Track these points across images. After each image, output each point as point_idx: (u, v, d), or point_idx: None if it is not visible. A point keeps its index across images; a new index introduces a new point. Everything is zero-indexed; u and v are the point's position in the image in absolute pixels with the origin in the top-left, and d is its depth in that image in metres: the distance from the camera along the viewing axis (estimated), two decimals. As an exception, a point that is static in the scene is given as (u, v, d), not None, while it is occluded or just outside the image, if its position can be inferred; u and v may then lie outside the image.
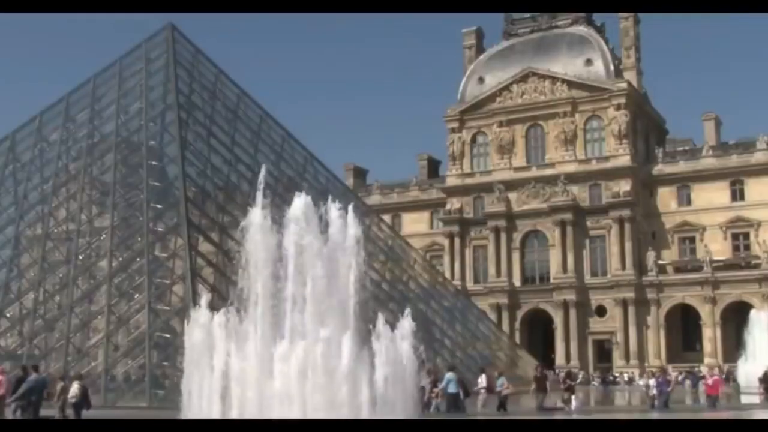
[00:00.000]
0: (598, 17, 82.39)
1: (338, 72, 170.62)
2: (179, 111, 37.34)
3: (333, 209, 17.54)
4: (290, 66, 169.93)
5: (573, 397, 27.28)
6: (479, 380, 26.70)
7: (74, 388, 21.96)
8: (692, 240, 72.19)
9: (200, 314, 18.03)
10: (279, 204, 19.73)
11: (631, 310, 69.61)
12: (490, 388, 26.42)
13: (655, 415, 25.48)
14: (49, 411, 22.57)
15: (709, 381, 29.34)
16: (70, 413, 21.98)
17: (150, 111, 40.52)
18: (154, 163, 38.78)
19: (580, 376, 64.88)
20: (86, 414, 22.09)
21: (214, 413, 16.81)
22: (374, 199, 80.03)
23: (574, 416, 24.65)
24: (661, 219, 73.05)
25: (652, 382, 28.10)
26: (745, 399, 37.16)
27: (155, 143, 40.68)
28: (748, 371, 49.06)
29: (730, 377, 53.28)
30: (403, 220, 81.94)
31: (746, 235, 70.35)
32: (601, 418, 22.38)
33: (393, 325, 17.45)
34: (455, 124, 78.81)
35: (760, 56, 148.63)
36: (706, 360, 65.90)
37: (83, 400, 22.01)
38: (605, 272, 71.36)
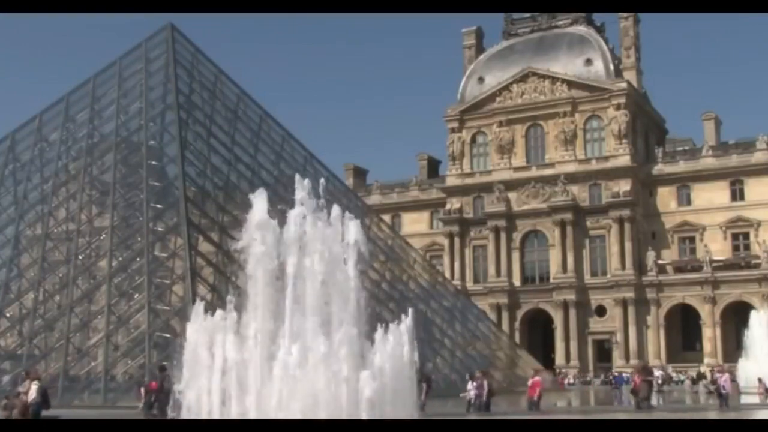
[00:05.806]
0: (598, 17, 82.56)
1: (338, 72, 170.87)
2: (179, 111, 37.29)
3: (333, 210, 17.54)
4: (290, 66, 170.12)
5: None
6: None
7: (32, 389, 21.52)
8: (692, 240, 72.19)
9: (200, 315, 18.02)
10: (279, 204, 19.74)
11: (631, 310, 69.59)
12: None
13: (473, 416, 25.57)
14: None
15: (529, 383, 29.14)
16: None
17: (150, 111, 40.47)
18: (153, 162, 38.73)
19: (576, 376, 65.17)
20: (79, 414, 21.98)
21: (214, 413, 16.82)
22: (374, 199, 80.00)
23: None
24: (661, 219, 73.05)
25: (469, 385, 28.10)
26: (744, 399, 37.14)
27: (155, 143, 40.63)
28: (747, 371, 49.16)
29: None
30: (403, 220, 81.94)
31: (746, 235, 70.36)
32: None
33: (393, 325, 17.46)
34: (455, 124, 78.79)
35: (760, 56, 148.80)
36: (706, 360, 65.95)
37: (43, 401, 21.68)
38: (605, 272, 71.34)
